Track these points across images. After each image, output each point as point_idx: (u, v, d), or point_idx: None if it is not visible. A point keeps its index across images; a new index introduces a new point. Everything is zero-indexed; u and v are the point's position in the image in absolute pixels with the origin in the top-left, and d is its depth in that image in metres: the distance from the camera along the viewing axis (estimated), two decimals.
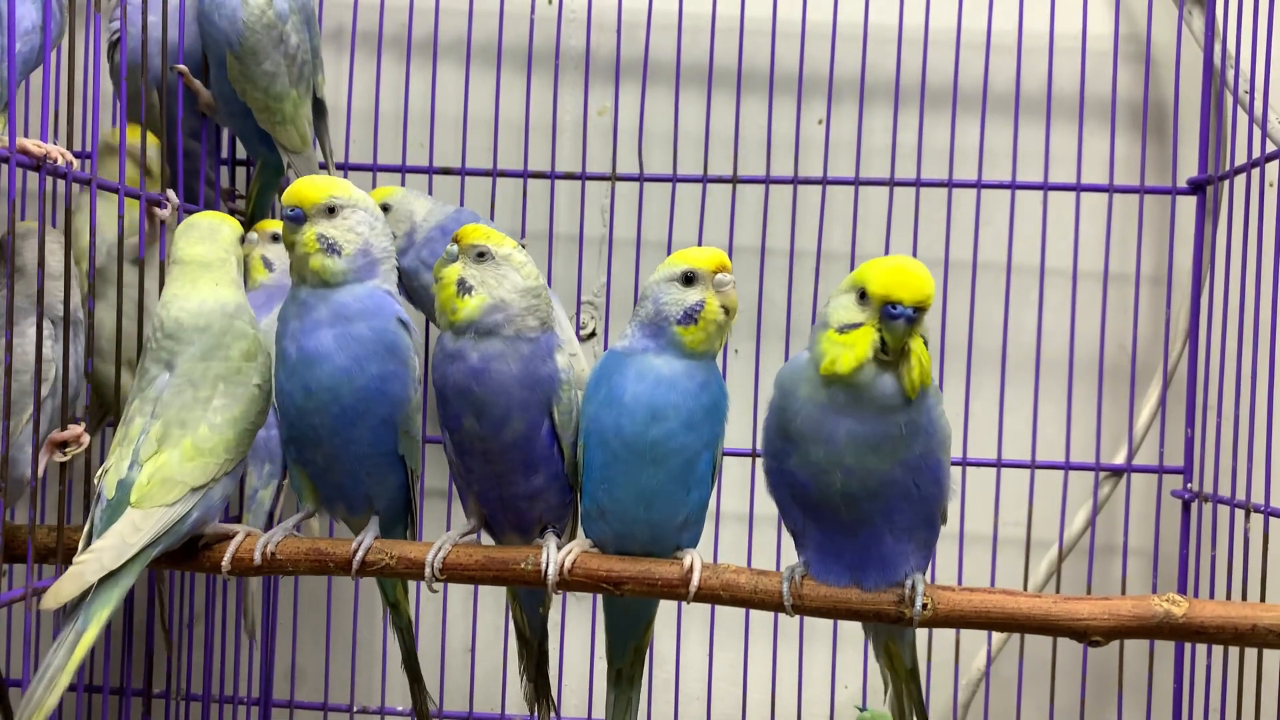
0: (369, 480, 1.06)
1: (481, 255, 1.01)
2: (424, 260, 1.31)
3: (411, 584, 1.25)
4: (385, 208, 1.30)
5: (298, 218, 1.03)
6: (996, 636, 1.42)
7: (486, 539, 1.11)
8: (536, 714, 1.19)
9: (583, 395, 1.04)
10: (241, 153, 1.45)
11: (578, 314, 1.48)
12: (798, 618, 1.04)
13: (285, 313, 1.05)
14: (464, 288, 1.00)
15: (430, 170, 1.45)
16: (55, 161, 0.99)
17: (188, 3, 1.27)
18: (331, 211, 1.03)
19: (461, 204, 1.44)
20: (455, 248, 1.02)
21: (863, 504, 0.96)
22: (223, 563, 1.06)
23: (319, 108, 1.35)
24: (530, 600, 1.15)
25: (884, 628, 1.06)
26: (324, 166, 1.37)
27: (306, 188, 1.03)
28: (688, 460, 1.01)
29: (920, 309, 0.92)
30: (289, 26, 1.25)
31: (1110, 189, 1.41)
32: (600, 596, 1.07)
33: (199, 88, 1.28)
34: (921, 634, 1.31)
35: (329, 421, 1.03)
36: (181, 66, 1.26)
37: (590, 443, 1.02)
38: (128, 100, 1.20)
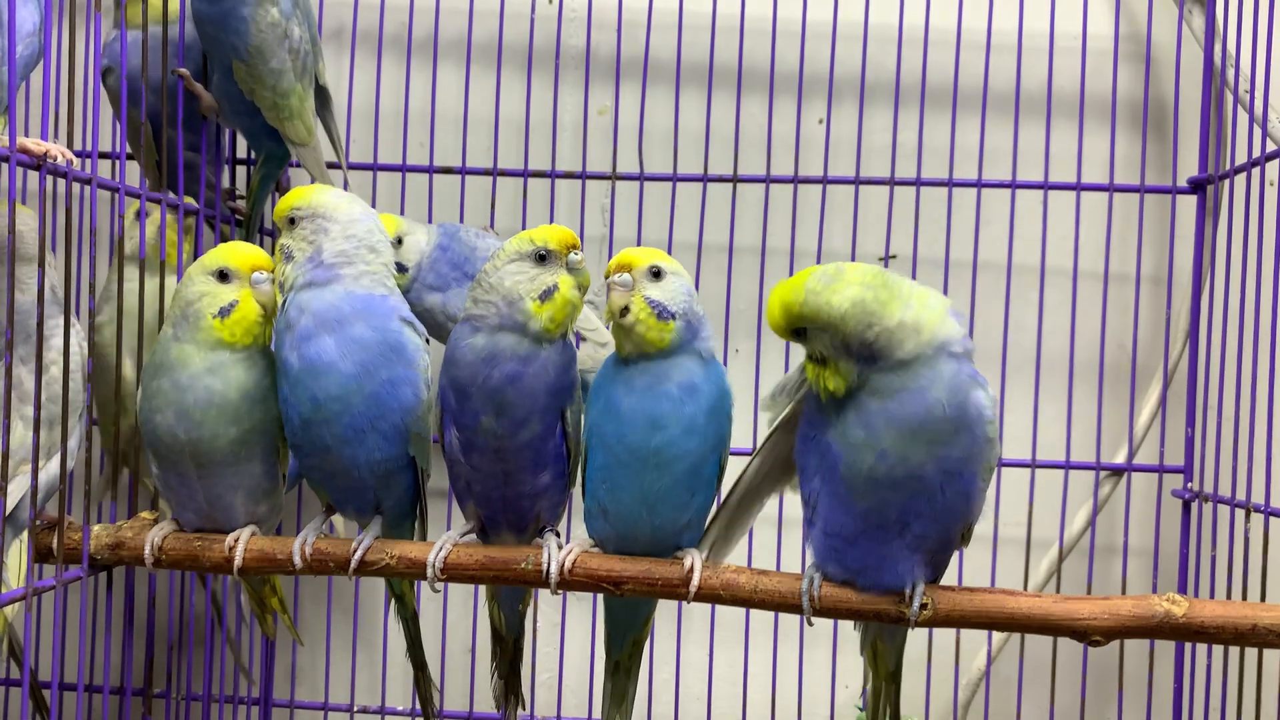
0: (379, 485, 1.06)
1: (657, 274, 1.01)
2: (430, 284, 1.30)
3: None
4: (399, 240, 1.28)
5: (273, 233, 1.06)
6: (996, 636, 1.42)
7: None
8: (505, 711, 1.19)
9: (587, 398, 1.04)
10: (240, 153, 1.44)
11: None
12: (798, 616, 1.04)
13: (278, 324, 1.05)
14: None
15: (430, 170, 1.45)
16: (55, 160, 0.99)
17: (185, 8, 1.27)
18: (292, 223, 1.05)
19: (461, 204, 1.44)
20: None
21: (883, 493, 0.95)
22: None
23: (322, 95, 1.34)
24: (510, 597, 1.15)
25: (874, 625, 1.06)
26: (335, 166, 1.37)
27: (278, 204, 1.06)
28: (693, 465, 1.01)
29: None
30: (292, 22, 1.25)
31: (1110, 189, 1.41)
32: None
33: (200, 91, 1.28)
34: (921, 634, 1.31)
35: (338, 432, 1.02)
36: (183, 70, 1.26)
37: (593, 444, 1.02)
38: (127, 101, 1.20)
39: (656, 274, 0.99)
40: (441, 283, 1.30)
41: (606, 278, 1.00)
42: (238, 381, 1.03)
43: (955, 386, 0.93)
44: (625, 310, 0.98)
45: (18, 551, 1.01)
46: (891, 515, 0.96)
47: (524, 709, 1.22)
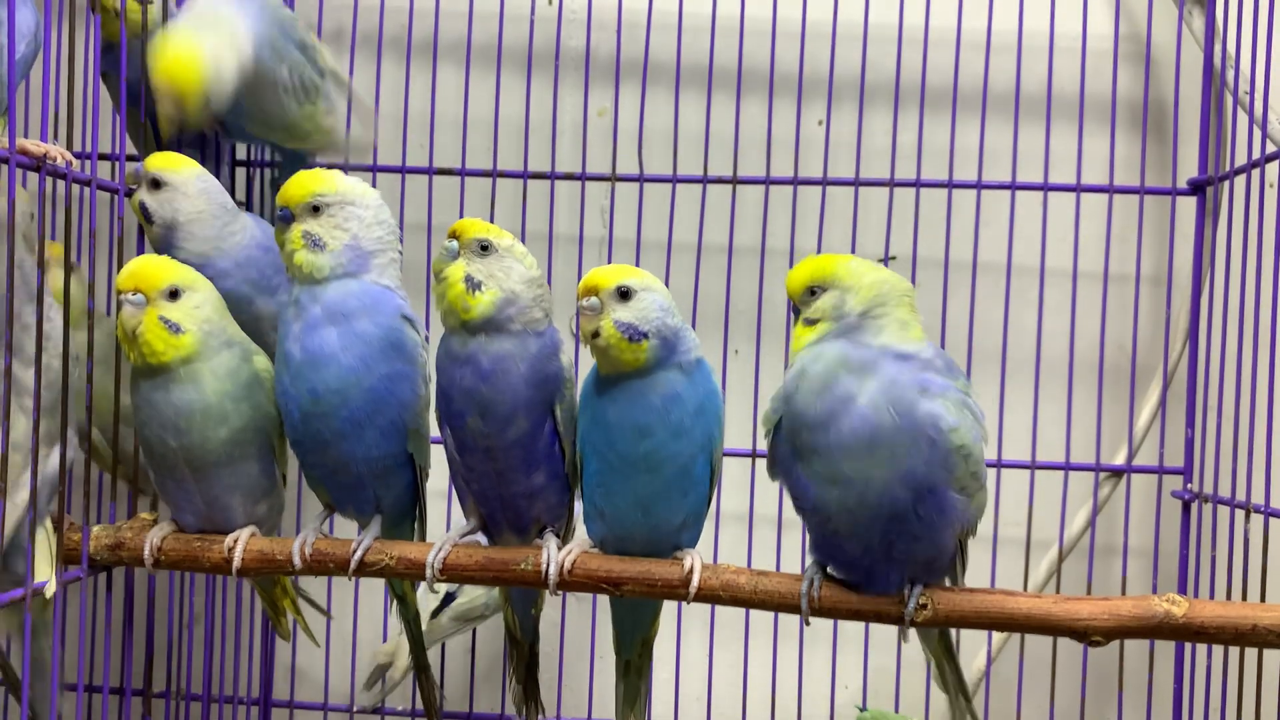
0: (377, 482, 1.06)
1: (485, 248, 1.00)
2: None
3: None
4: None
5: (285, 217, 1.03)
6: (996, 636, 1.42)
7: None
8: (525, 716, 1.20)
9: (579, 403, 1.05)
10: (240, 154, 1.45)
11: (577, 316, 1.48)
12: (798, 616, 1.05)
13: (285, 315, 1.04)
14: (473, 284, 0.99)
15: (430, 171, 1.45)
16: (55, 162, 0.99)
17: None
18: (316, 210, 1.03)
19: (461, 206, 1.44)
20: (454, 244, 1.00)
21: (860, 525, 0.96)
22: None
23: (335, 78, 1.35)
24: (522, 601, 1.15)
25: None
26: (336, 167, 1.37)
27: (292, 187, 1.04)
28: (682, 466, 1.01)
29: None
30: (273, 62, 1.24)
31: (1110, 189, 1.41)
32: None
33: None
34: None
35: (336, 426, 1.02)
36: None
37: (587, 451, 1.03)
38: (127, 99, 1.20)
39: (625, 294, 0.98)
40: None
41: (578, 300, 0.99)
42: (213, 385, 1.03)
43: (894, 395, 0.94)
44: (596, 334, 0.98)
45: (45, 544, 1.01)
46: (875, 538, 0.97)
47: (544, 714, 1.22)
